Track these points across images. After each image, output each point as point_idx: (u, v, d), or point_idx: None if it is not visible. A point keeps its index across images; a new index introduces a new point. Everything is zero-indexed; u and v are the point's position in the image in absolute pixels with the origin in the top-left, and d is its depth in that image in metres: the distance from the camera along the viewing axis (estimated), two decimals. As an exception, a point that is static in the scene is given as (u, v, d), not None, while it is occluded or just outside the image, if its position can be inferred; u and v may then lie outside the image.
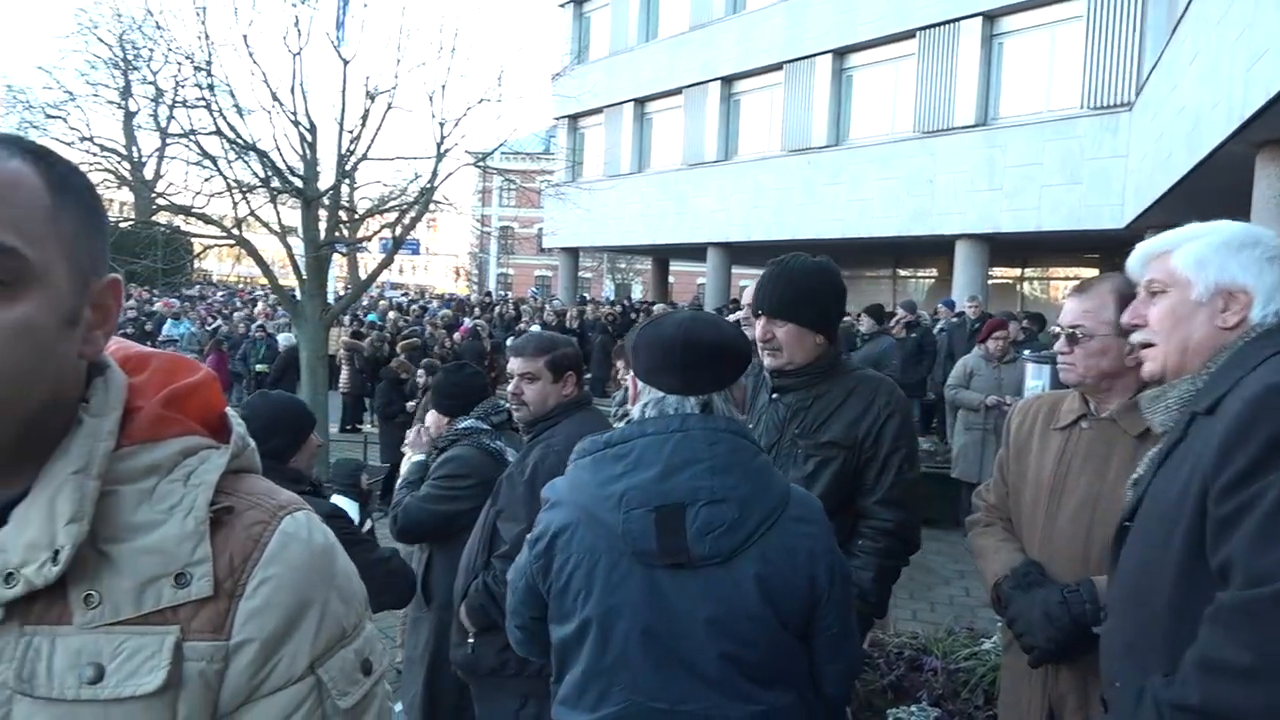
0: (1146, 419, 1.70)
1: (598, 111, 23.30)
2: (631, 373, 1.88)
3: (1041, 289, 20.58)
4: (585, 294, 30.59)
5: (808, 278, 2.57)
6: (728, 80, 20.21)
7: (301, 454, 2.89)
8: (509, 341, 14.44)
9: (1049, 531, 2.20)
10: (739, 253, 20.31)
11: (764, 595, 1.71)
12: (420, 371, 10.30)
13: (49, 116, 15.43)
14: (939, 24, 15.71)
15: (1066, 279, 19.61)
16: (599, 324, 17.69)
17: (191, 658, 0.80)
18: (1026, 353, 7.46)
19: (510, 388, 3.04)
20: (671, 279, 27.34)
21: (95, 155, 11.25)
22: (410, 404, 9.77)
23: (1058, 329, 2.26)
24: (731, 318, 5.35)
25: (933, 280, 21.69)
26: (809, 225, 17.75)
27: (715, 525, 1.70)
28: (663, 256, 25.81)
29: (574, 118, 24.18)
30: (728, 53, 19.89)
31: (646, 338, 1.85)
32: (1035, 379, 6.16)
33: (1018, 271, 20.33)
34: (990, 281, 16.71)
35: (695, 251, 21.89)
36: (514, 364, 3.03)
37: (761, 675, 1.74)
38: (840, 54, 17.71)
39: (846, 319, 10.00)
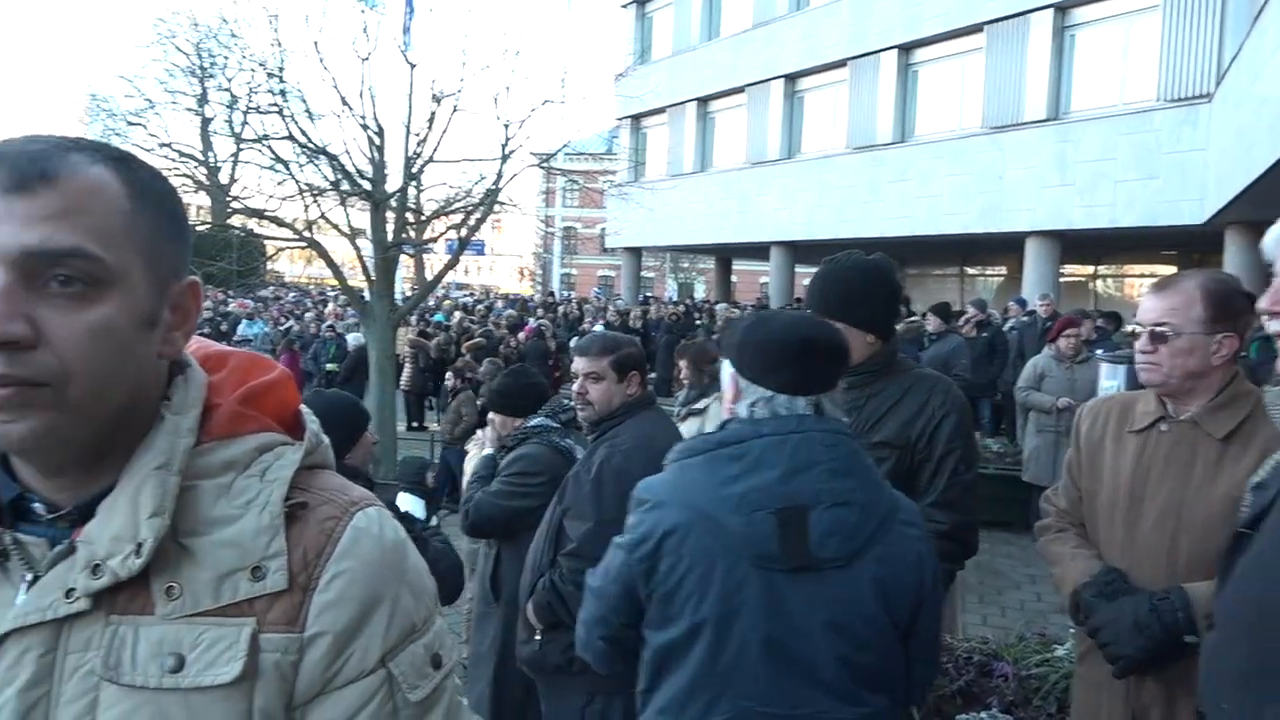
0: (1275, 418, 1.62)
1: (660, 111, 23.31)
2: (732, 370, 1.84)
3: (1115, 287, 20.04)
4: (648, 294, 30.63)
5: (859, 276, 2.53)
6: (791, 78, 20.07)
7: (356, 451, 2.93)
8: (573, 341, 14.53)
9: (1130, 538, 2.13)
10: (802, 251, 20.15)
11: (880, 599, 1.71)
12: (483, 369, 10.40)
13: (130, 124, 15.92)
14: (1008, 17, 15.39)
15: (1142, 276, 19.08)
16: (662, 324, 17.68)
17: (267, 649, 0.82)
18: (1100, 352, 7.26)
19: (575, 387, 3.05)
20: (734, 278, 27.23)
21: (173, 161, 11.59)
22: (478, 401, 9.86)
23: (1136, 327, 2.19)
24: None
25: (1001, 278, 21.25)
26: (874, 223, 17.53)
27: (838, 529, 1.68)
28: (725, 256, 25.71)
29: (637, 118, 24.23)
30: (791, 50, 19.74)
31: (756, 336, 1.82)
32: (1110, 379, 6.00)
33: (1090, 269, 19.83)
34: (1061, 279, 16.32)
35: (758, 250, 21.77)
36: (579, 364, 3.04)
37: (870, 678, 1.72)
38: (906, 49, 17.46)
39: (914, 318, 9.85)
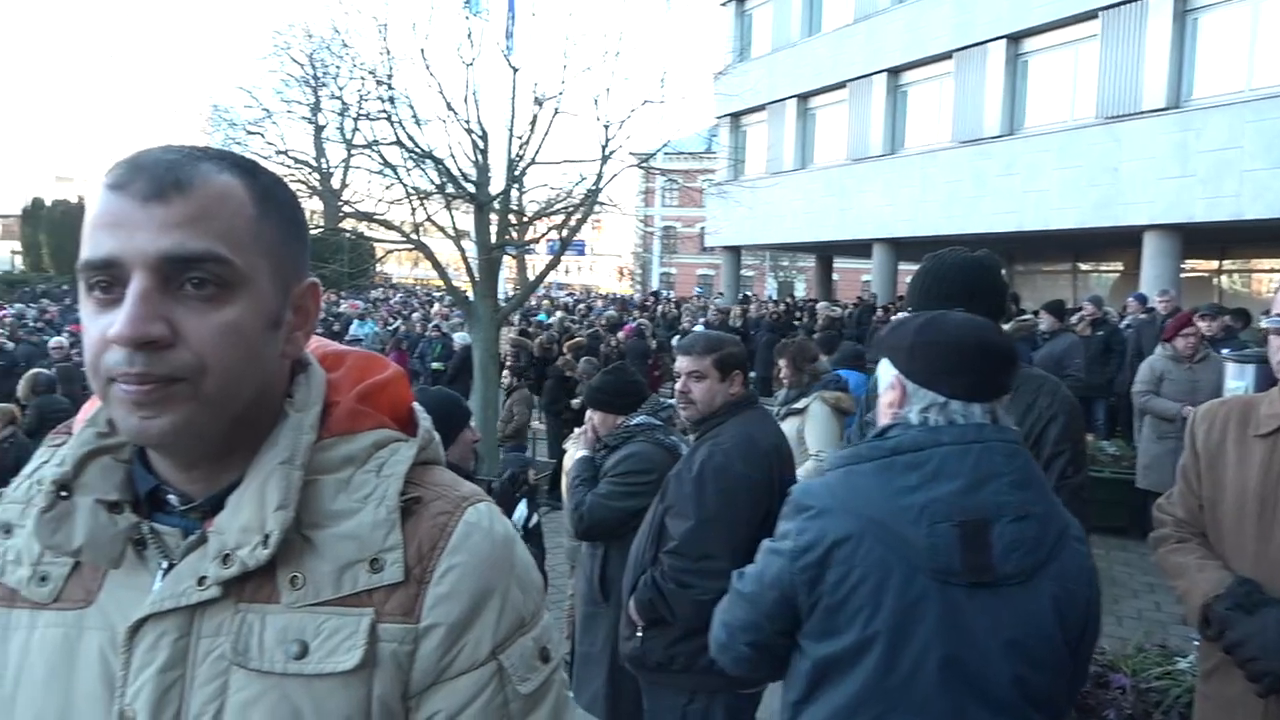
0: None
1: (760, 109, 23.15)
2: (896, 373, 1.78)
3: (1242, 282, 18.99)
4: (748, 292, 30.46)
5: (960, 273, 2.46)
6: (894, 71, 19.68)
7: (456, 447, 2.98)
8: (673, 340, 14.56)
9: (1263, 548, 2.02)
10: (905, 248, 19.73)
11: (1058, 616, 1.65)
12: (581, 368, 10.51)
13: (249, 133, 16.68)
14: (1125, 2, 14.76)
15: (1271, 271, 18.03)
16: (762, 322, 17.56)
17: (385, 639, 0.85)
18: (1226, 351, 6.87)
19: (677, 386, 3.05)
20: (835, 276, 26.86)
21: (289, 167, 12.07)
22: (575, 401, 9.98)
23: (1267, 325, 2.07)
24: (897, 317, 5.22)
25: (1117, 275, 20.38)
26: (980, 219, 17.05)
27: (1020, 543, 1.63)
28: (826, 254, 25.37)
29: (736, 116, 24.12)
30: (894, 43, 19.36)
31: (929, 338, 1.75)
32: (1237, 380, 5.67)
33: (1214, 264, 18.84)
34: (1183, 275, 15.55)
35: (860, 248, 21.42)
36: (681, 363, 3.04)
37: (1040, 698, 1.67)
38: (1015, 39, 16.92)
39: (1026, 317, 9.53)
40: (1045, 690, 1.67)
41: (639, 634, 2.90)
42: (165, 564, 0.87)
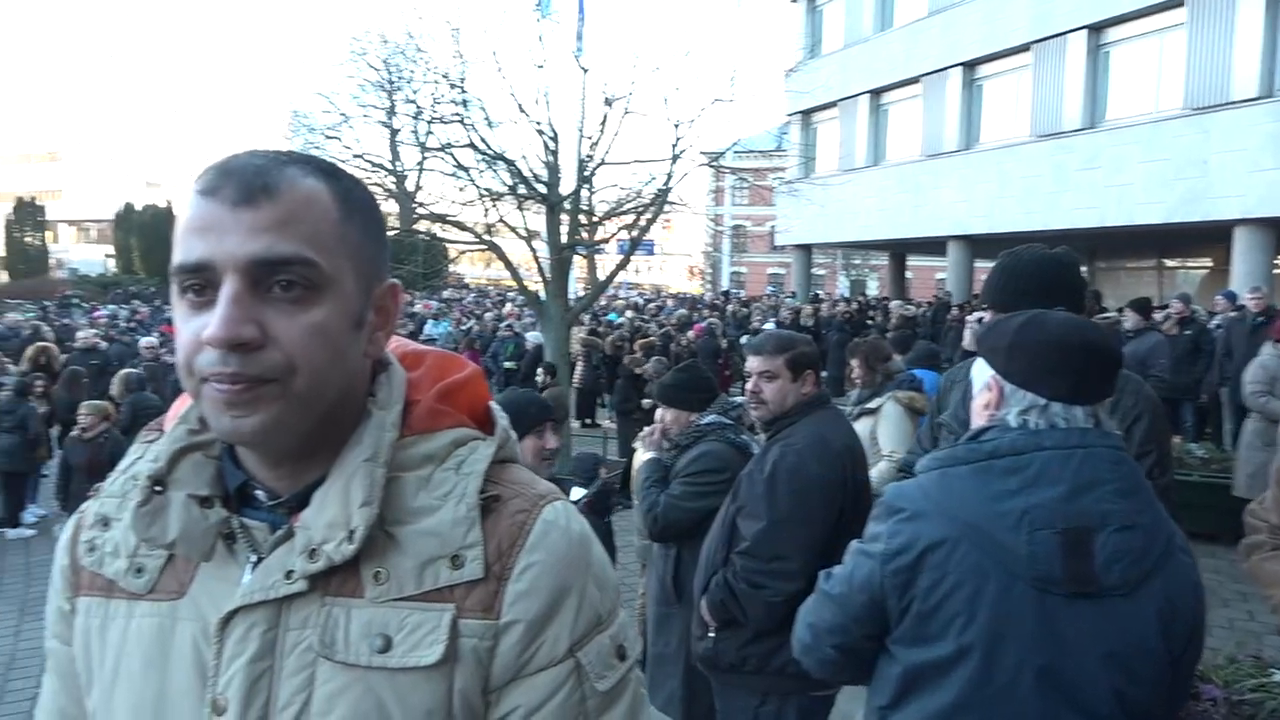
0: None
1: (831, 105, 22.89)
2: (993, 374, 1.74)
3: (1340, 278, 18.16)
4: (819, 291, 30.18)
5: (1037, 270, 2.39)
6: (970, 65, 19.28)
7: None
8: (743, 340, 14.49)
9: None
10: (981, 245, 19.31)
11: (1162, 629, 1.60)
12: (650, 367, 10.53)
13: (327, 137, 17.06)
14: (1214, -12, 14.24)
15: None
16: (834, 321, 17.38)
17: (466, 634, 0.86)
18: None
19: (748, 386, 3.04)
20: (909, 274, 26.46)
21: (366, 171, 12.31)
22: (646, 401, 10.00)
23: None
24: (973, 316, 5.10)
25: (1206, 271, 19.67)
26: (1060, 214, 16.60)
27: (1124, 553, 1.58)
28: (900, 251, 24.98)
29: (807, 113, 23.89)
30: (970, 36, 18.97)
31: (1031, 338, 1.70)
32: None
33: (1313, 259, 18.06)
34: (1276, 271, 14.94)
35: (934, 245, 21.04)
36: (752, 362, 3.02)
37: (1139, 712, 1.62)
38: (1096, 29, 16.44)
39: (1109, 315, 9.25)
40: (1144, 705, 1.61)
41: (711, 635, 2.89)
42: (254, 558, 0.89)
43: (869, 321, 17.47)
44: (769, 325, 15.88)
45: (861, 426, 4.83)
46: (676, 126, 10.52)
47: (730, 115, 23.00)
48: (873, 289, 38.80)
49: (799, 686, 2.68)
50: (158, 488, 0.91)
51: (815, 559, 2.57)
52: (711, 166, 12.95)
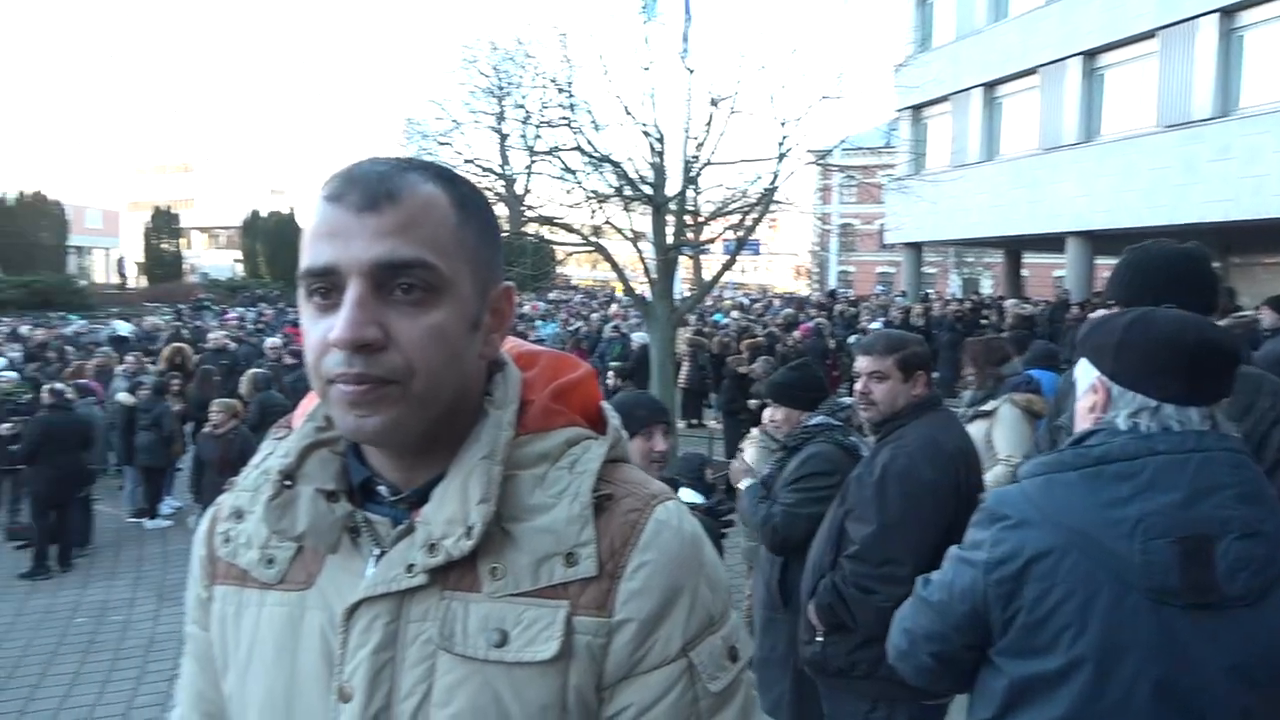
0: None
1: (943, 100, 22.33)
2: (1098, 374, 1.67)
3: None
4: (929, 290, 29.44)
5: (1167, 265, 2.28)
6: (1090, 54, 18.52)
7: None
8: (851, 340, 14.26)
9: None
10: (1103, 241, 18.52)
11: None
12: (758, 367, 10.46)
13: (440, 143, 17.52)
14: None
15: None
16: (945, 321, 16.93)
17: (580, 631, 0.87)
18: None
19: (857, 386, 2.99)
20: (1025, 272, 25.59)
21: (476, 175, 12.60)
22: (752, 402, 9.94)
23: None
24: (1095, 315, 4.89)
25: (1353, 265, 18.45)
26: (1189, 208, 15.78)
27: (1247, 562, 1.49)
28: (1015, 248, 24.19)
29: (917, 108, 23.35)
30: (1091, 23, 18.22)
31: (1140, 336, 1.62)
32: None
33: None
34: None
35: (1052, 242, 20.28)
36: (862, 362, 2.97)
37: None
38: (1229, 12, 15.58)
39: (1244, 313, 8.76)
40: None
41: (819, 639, 2.86)
42: (377, 551, 0.92)
43: (983, 321, 16.95)
44: (877, 325, 15.58)
45: (976, 429, 4.69)
46: (783, 125, 10.42)
47: (838, 112, 22.75)
48: (986, 288, 37.67)
49: (910, 694, 2.63)
50: (288, 482, 0.95)
51: (927, 565, 2.51)
52: (819, 164, 12.79)
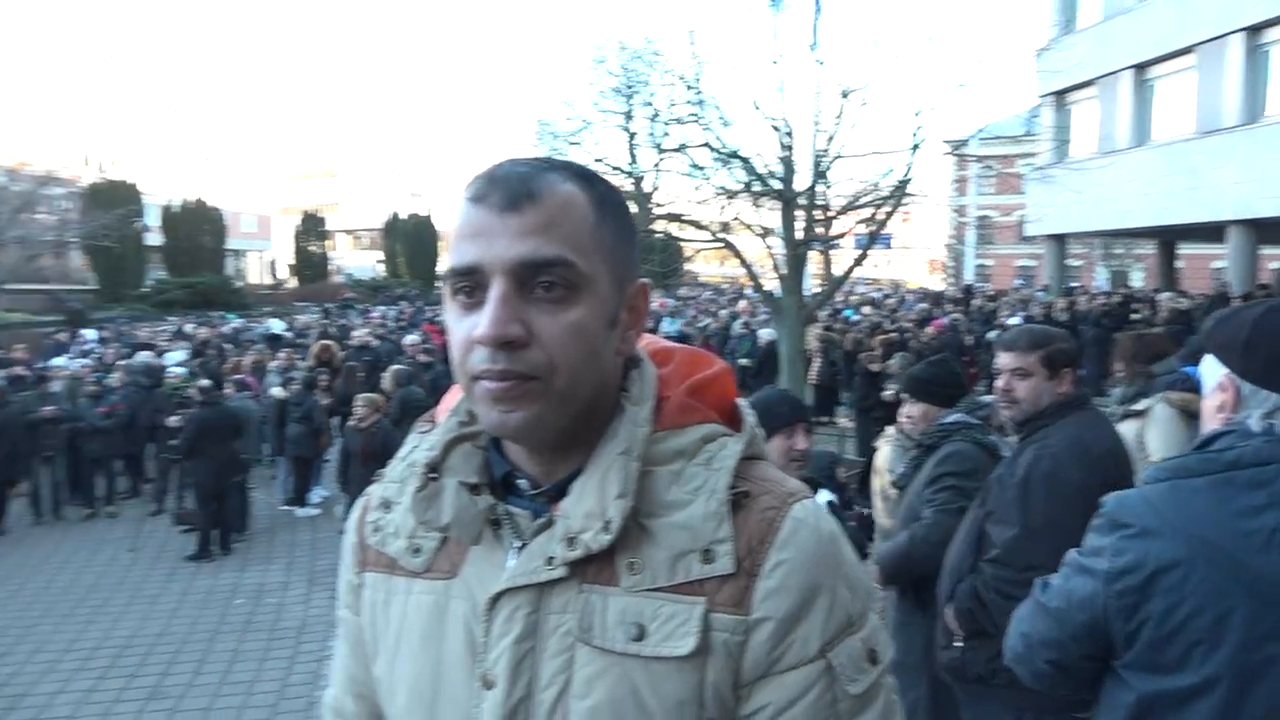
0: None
1: (1089, 84, 21.25)
2: (1225, 372, 1.57)
3: None
4: (1074, 284, 28.12)
5: None
6: (1255, 29, 17.29)
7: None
8: (989, 336, 13.77)
9: None
10: (1268, 230, 17.29)
11: None
12: (893, 364, 10.22)
13: (570, 144, 17.80)
14: None
15: None
16: (1090, 316, 16.14)
17: (717, 628, 0.87)
18: None
19: (999, 384, 2.88)
20: (1179, 264, 24.14)
21: (606, 174, 12.75)
22: (886, 394, 9.71)
23: None
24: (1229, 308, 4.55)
25: None
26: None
27: None
28: (1169, 239, 22.85)
29: (1061, 93, 22.30)
30: (1256, -4, 17.02)
31: (1268, 331, 1.52)
32: None
33: None
34: None
35: (1210, 231, 19.05)
36: (1004, 359, 2.86)
37: None
38: None
39: None
40: None
41: (958, 644, 2.77)
42: (518, 543, 0.94)
43: (1133, 315, 16.08)
44: (1016, 320, 14.99)
45: (1127, 429, 4.45)
46: (917, 115, 10.17)
47: (975, 100, 21.94)
48: (1137, 280, 35.75)
49: (1057, 705, 2.52)
50: (433, 475, 0.98)
51: None
52: (955, 155, 12.41)
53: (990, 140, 28.25)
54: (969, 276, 40.64)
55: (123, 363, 13.08)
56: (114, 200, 32.39)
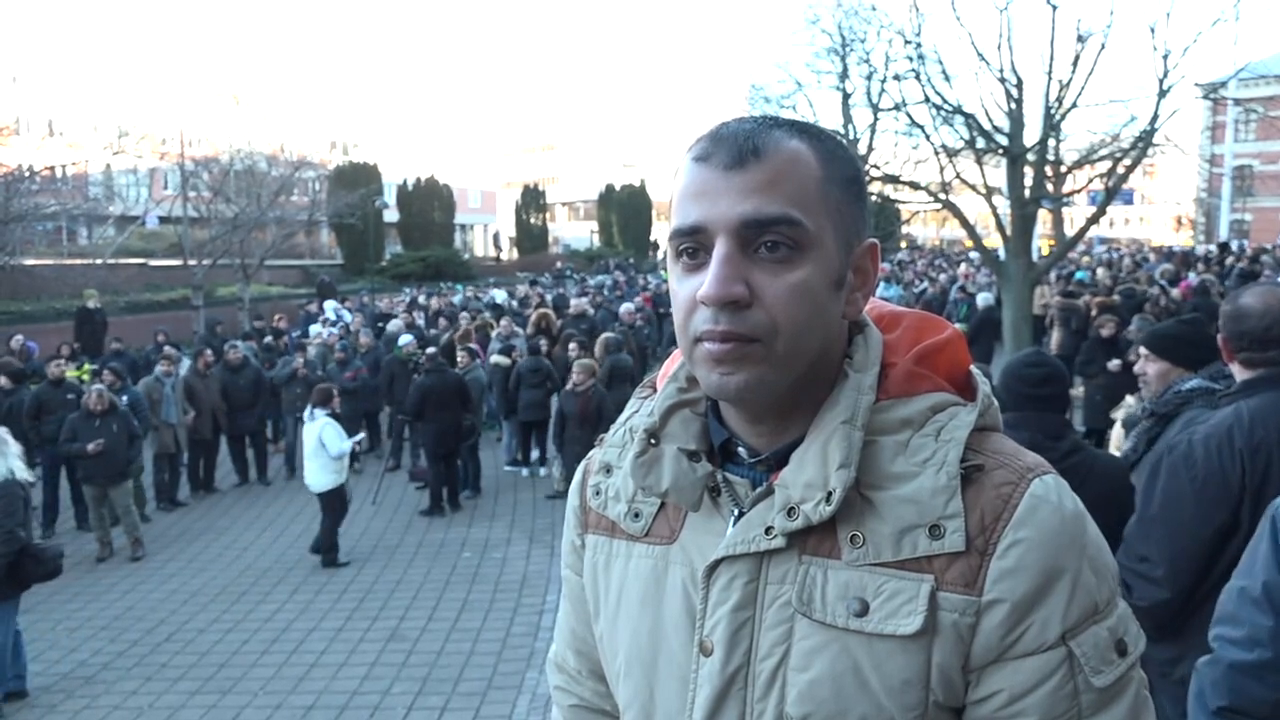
0: None
1: (1378, 10, 18.65)
2: None
3: None
4: (1354, 239, 24.91)
5: None
6: None
7: None
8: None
9: None
10: None
11: None
12: (1132, 329, 9.46)
13: (782, 106, 17.54)
14: None
15: None
16: (1376, 275, 14.25)
17: (945, 608, 0.83)
18: None
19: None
20: None
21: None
22: (1113, 363, 9.00)
23: None
24: None
25: None
26: None
27: None
28: None
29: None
30: None
31: None
32: None
33: None
34: None
35: None
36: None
37: None
38: None
39: None
40: None
41: None
42: (736, 511, 0.93)
43: None
44: (1283, 281, 13.46)
45: None
46: (1165, 58, 9.27)
47: (1234, 38, 19.74)
48: None
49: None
50: (652, 440, 0.98)
51: (1187, 573, 2.26)
52: (1209, 99, 11.25)
53: (1252, 81, 25.37)
54: (1224, 233, 36.90)
55: (364, 331, 14.19)
56: (357, 181, 34.90)
